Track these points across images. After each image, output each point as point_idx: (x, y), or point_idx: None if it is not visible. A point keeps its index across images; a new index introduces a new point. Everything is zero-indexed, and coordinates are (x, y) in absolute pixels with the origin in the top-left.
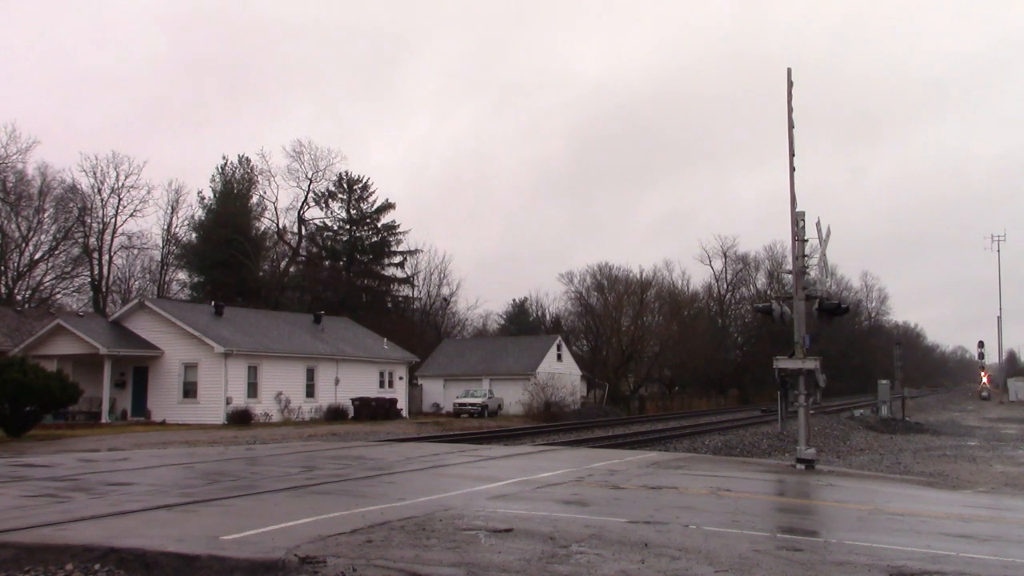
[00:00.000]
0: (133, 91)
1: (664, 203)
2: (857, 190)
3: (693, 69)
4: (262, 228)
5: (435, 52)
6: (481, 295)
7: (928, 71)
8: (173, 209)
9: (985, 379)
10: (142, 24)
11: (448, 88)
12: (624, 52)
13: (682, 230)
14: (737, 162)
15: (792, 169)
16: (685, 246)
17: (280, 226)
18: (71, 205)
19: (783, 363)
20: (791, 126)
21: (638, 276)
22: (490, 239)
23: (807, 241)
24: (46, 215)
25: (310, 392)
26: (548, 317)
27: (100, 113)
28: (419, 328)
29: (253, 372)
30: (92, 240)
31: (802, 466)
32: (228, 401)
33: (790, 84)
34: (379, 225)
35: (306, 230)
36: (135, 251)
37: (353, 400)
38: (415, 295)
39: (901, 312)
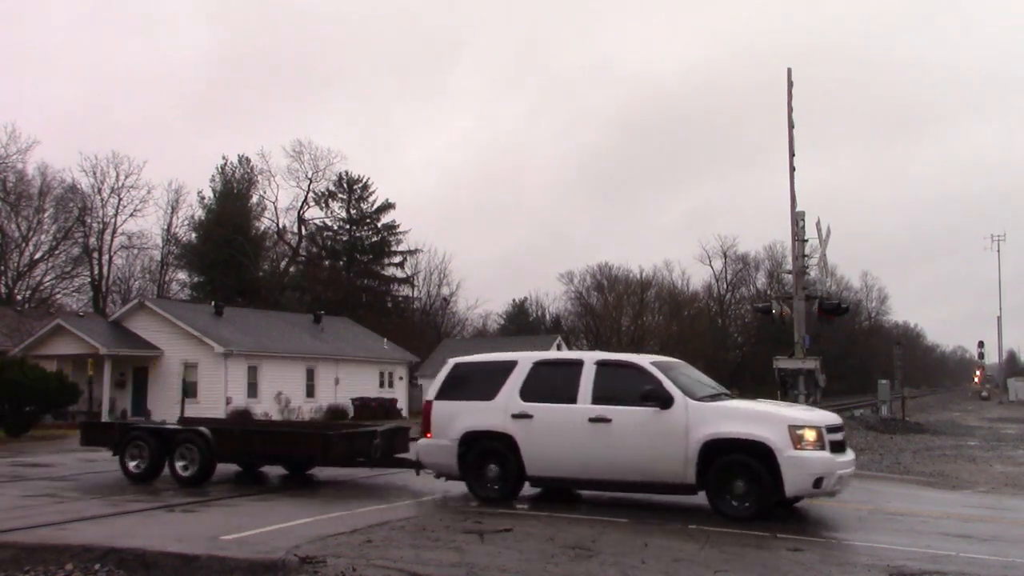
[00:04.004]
0: (136, 91)
1: (688, 203)
2: (880, 188)
3: (729, 66)
4: (262, 228)
5: (464, 55)
6: (481, 295)
7: (956, 70)
8: (173, 209)
9: (977, 378)
10: (149, 23)
11: (481, 89)
12: (658, 51)
13: (706, 230)
14: (759, 161)
15: (792, 169)
16: (698, 246)
17: (280, 226)
18: (71, 205)
19: (783, 363)
20: (791, 126)
21: (638, 276)
22: (498, 239)
23: (807, 241)
24: (46, 215)
25: (310, 392)
26: (548, 317)
27: (102, 112)
28: (419, 328)
29: (253, 372)
30: (92, 240)
31: None
32: (228, 401)
33: (790, 84)
34: (379, 225)
35: (306, 230)
36: (135, 251)
37: (353, 400)
38: (415, 295)
39: (902, 312)
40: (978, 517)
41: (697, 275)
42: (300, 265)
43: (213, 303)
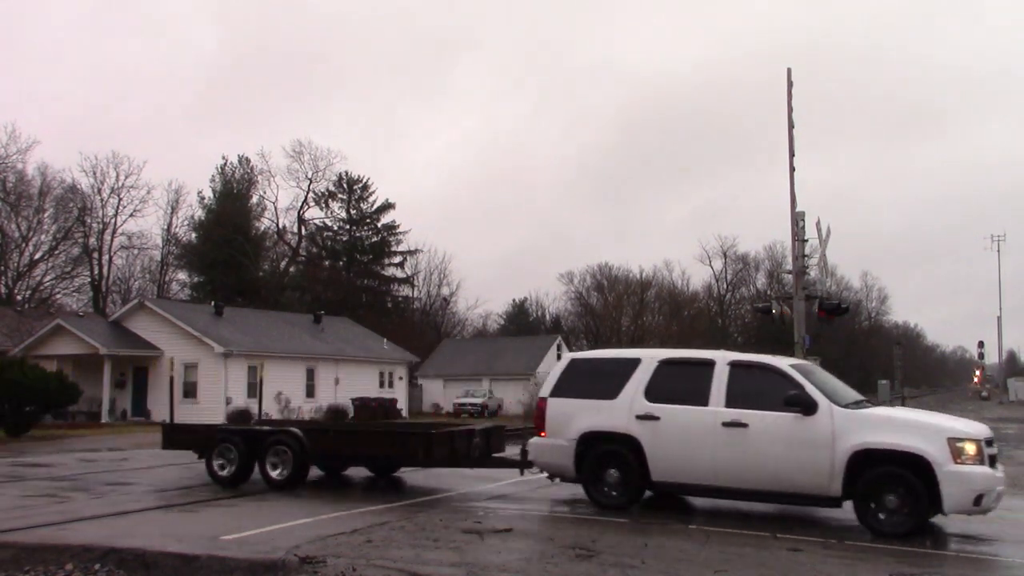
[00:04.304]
0: (136, 91)
1: (689, 203)
2: (881, 188)
3: (729, 66)
4: (262, 228)
5: (465, 55)
6: (481, 295)
7: (957, 71)
8: (173, 209)
9: (976, 379)
10: (149, 23)
11: (482, 89)
12: (659, 51)
13: (706, 230)
14: (760, 161)
15: (792, 169)
16: (698, 246)
17: (280, 226)
18: (71, 205)
19: None
20: (791, 126)
21: (638, 276)
22: (498, 240)
23: (807, 241)
24: (46, 215)
25: (310, 392)
26: (548, 317)
27: (102, 112)
28: (419, 328)
29: (253, 372)
30: (92, 240)
31: None
32: (228, 401)
33: (790, 84)
34: (379, 225)
35: (306, 230)
36: (135, 251)
37: (353, 400)
38: (415, 295)
39: (902, 312)
40: (978, 517)
41: (697, 275)
42: (300, 265)
43: (213, 303)
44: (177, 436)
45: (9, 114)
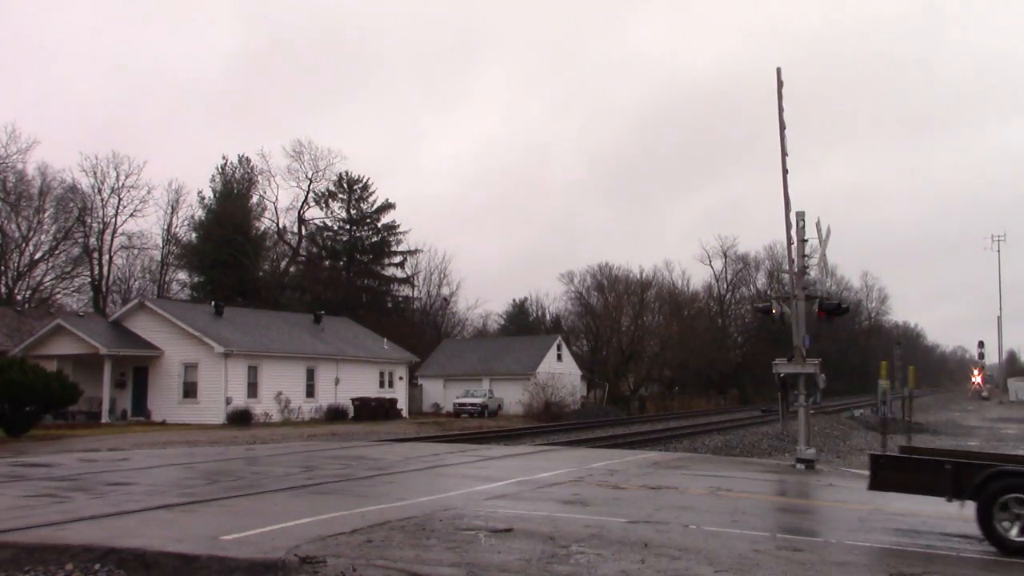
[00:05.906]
0: (137, 91)
1: (691, 204)
2: (883, 188)
3: (733, 67)
4: (262, 228)
5: (476, 58)
6: (481, 295)
7: (967, 72)
8: (173, 209)
9: (979, 379)
10: (150, 24)
11: (491, 92)
12: (664, 54)
13: (707, 231)
14: (762, 161)
15: (785, 171)
16: (699, 246)
17: (280, 226)
18: (71, 205)
19: (783, 367)
20: (782, 127)
21: (638, 276)
22: (500, 240)
23: (807, 241)
24: (46, 215)
25: (310, 392)
26: (548, 317)
27: (102, 112)
28: (419, 328)
29: (253, 372)
30: (92, 240)
31: (802, 466)
32: (228, 401)
33: (779, 84)
34: (379, 225)
35: (306, 230)
36: (135, 251)
37: (353, 400)
38: (415, 295)
39: (902, 312)
40: None
41: (697, 275)
42: (300, 265)
43: (213, 303)
44: (904, 474)
45: (9, 114)
